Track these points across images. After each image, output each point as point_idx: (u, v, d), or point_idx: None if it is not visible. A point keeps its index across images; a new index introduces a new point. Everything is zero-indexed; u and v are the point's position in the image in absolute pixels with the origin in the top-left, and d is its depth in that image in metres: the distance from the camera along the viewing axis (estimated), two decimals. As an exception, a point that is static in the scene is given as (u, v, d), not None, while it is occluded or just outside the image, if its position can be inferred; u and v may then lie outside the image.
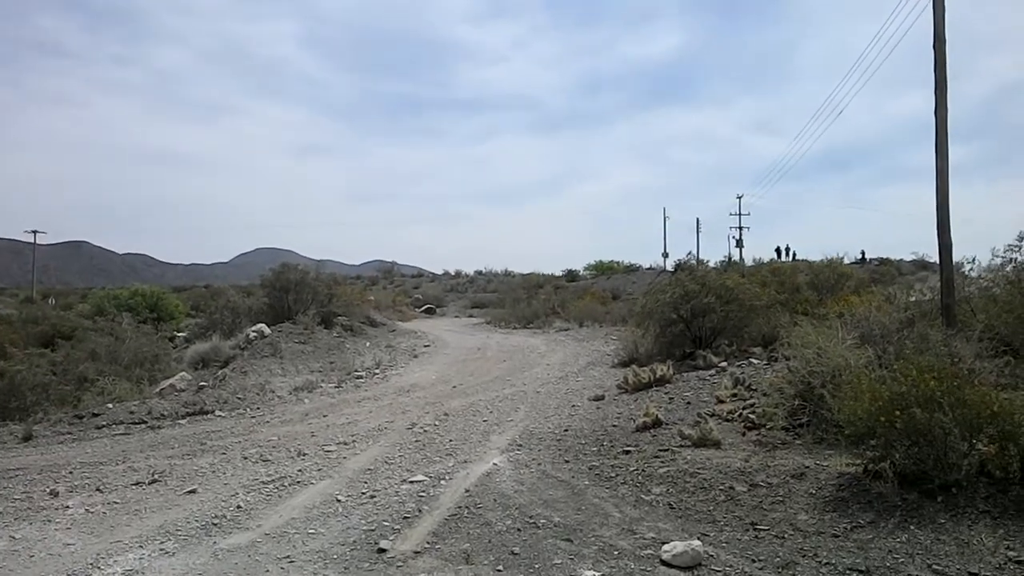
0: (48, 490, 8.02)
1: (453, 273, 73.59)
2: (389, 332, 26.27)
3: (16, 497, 7.84)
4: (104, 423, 11.72)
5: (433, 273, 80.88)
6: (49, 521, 7.01)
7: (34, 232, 72.94)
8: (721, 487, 6.99)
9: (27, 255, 75.52)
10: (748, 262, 53.60)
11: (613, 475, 7.65)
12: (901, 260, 53.27)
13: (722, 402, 10.41)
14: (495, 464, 8.30)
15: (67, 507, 7.40)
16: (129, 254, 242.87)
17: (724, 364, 13.69)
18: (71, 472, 8.87)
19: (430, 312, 45.99)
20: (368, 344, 22.30)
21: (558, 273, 65.34)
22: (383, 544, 5.94)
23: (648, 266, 64.75)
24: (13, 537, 6.54)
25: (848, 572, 5.18)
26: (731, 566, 5.36)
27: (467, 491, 7.31)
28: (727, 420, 9.46)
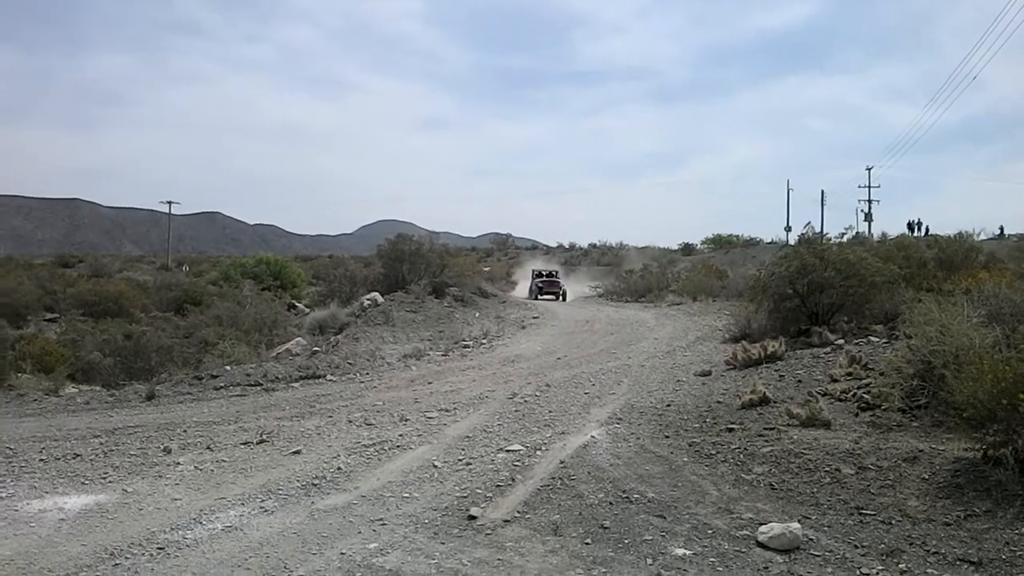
0: (162, 447, 8.42)
1: (567, 246, 73.70)
2: (499, 303, 26.38)
3: (132, 453, 8.26)
4: (222, 384, 12.25)
5: (547, 246, 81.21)
6: (160, 476, 7.36)
7: (169, 203, 77.29)
8: (827, 469, 6.66)
9: (164, 225, 79.87)
10: (876, 236, 51.25)
11: (713, 452, 7.41)
12: (1045, 235, 49.96)
13: (835, 381, 9.93)
14: (593, 437, 8.19)
15: (178, 464, 7.76)
16: (260, 224, 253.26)
17: (841, 342, 13.03)
18: (185, 431, 9.30)
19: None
20: (477, 315, 22.48)
21: (674, 247, 64.49)
22: (474, 511, 5.96)
23: (769, 240, 63.08)
24: (126, 490, 6.90)
25: (958, 563, 4.84)
26: (831, 551, 5.11)
27: (562, 463, 7.24)
28: (840, 400, 9.01)
